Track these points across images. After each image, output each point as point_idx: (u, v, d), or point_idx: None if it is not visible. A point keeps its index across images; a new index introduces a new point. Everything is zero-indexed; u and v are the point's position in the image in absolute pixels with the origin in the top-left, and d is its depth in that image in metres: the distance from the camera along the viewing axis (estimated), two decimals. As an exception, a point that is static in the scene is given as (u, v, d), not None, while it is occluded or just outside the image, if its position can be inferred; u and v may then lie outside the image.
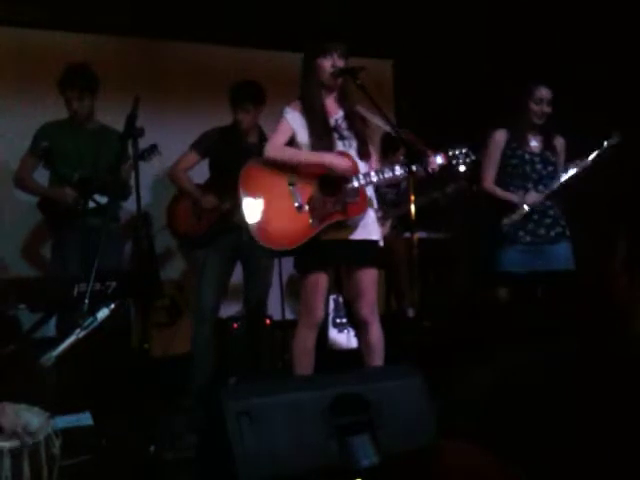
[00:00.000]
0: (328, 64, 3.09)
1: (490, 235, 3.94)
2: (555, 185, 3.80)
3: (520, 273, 3.78)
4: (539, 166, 3.85)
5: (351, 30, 3.91)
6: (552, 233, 3.82)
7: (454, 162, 3.10)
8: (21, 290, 3.00)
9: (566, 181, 3.80)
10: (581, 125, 4.09)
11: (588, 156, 3.79)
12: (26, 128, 3.95)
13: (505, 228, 3.79)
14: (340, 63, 3.09)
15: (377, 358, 3.20)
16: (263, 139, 3.70)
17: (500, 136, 3.92)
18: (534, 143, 3.89)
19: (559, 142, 3.93)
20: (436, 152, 3.11)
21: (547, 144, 3.88)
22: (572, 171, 3.80)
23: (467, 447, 2.63)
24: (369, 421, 2.27)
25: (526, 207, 3.78)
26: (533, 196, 3.80)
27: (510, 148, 3.88)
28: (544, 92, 3.82)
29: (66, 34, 4.67)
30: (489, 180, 3.92)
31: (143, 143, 3.11)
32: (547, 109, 3.82)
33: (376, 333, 3.20)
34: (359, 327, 3.27)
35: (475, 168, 3.89)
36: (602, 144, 3.78)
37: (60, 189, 3.80)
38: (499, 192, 3.89)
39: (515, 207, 3.81)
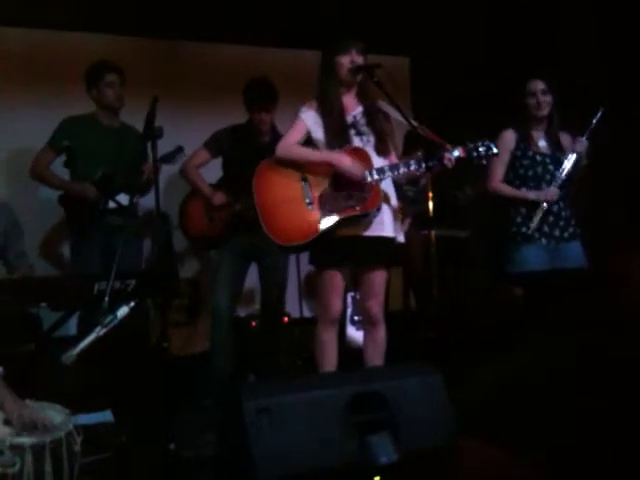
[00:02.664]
0: (347, 61, 3.10)
1: (503, 236, 3.90)
2: (563, 175, 3.75)
3: (537, 271, 3.75)
4: (551, 167, 3.80)
5: (367, 27, 3.90)
6: (565, 234, 3.78)
7: (474, 155, 3.06)
8: (42, 288, 3.03)
9: (571, 168, 3.75)
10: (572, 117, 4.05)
11: (582, 136, 3.76)
12: (45, 128, 3.96)
13: (531, 232, 3.74)
14: (359, 60, 3.10)
15: (381, 357, 3.23)
16: (277, 138, 3.69)
17: (509, 136, 3.87)
18: (542, 143, 3.85)
19: (565, 139, 3.87)
20: (455, 145, 3.07)
21: (555, 144, 3.84)
22: (572, 156, 3.75)
23: (485, 446, 2.63)
24: (388, 419, 2.27)
25: (545, 205, 3.74)
26: (551, 191, 3.74)
27: (520, 149, 3.84)
28: (534, 84, 3.78)
29: (84, 35, 4.70)
30: (497, 180, 3.87)
31: (162, 142, 3.12)
32: (543, 99, 3.77)
33: (383, 332, 3.23)
34: (367, 325, 3.28)
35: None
36: (591, 121, 3.75)
37: (81, 184, 3.81)
38: (509, 190, 3.85)
39: (528, 204, 3.77)
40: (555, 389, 2.84)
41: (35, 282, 3.15)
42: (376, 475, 2.17)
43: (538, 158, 3.82)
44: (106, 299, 2.71)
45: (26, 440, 2.13)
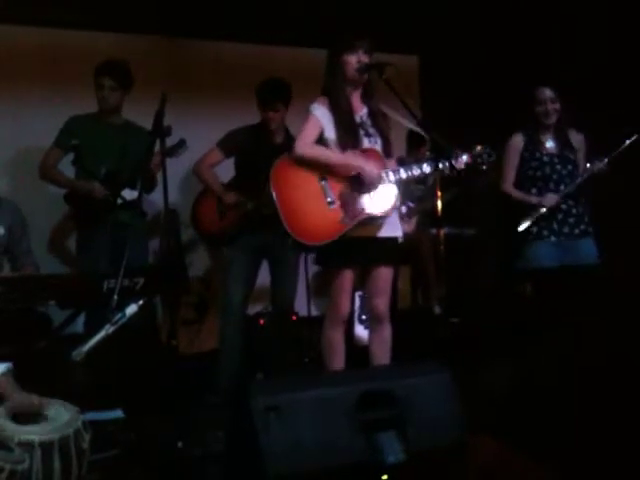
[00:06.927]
0: (354, 60, 3.09)
1: (515, 233, 3.96)
2: (573, 186, 3.83)
3: (550, 267, 3.78)
4: (558, 166, 3.88)
5: (376, 26, 3.89)
6: (576, 231, 3.85)
7: (479, 160, 3.12)
8: (51, 286, 3.04)
9: (583, 181, 3.83)
10: (602, 123, 4.04)
11: (606, 155, 3.79)
12: (52, 126, 3.97)
13: (520, 230, 3.85)
14: (365, 59, 3.10)
15: (387, 355, 3.23)
16: (290, 138, 3.69)
17: (517, 140, 3.98)
18: (550, 144, 3.92)
19: (576, 138, 3.94)
20: (462, 151, 3.12)
21: (563, 143, 3.91)
22: (589, 172, 3.82)
23: (495, 444, 2.62)
24: (396, 417, 2.26)
25: (543, 209, 3.83)
26: (550, 198, 3.83)
27: (528, 151, 3.93)
28: (544, 92, 3.84)
29: (92, 33, 4.70)
30: (508, 182, 3.99)
31: (170, 140, 3.12)
32: (552, 107, 3.84)
33: (389, 331, 3.24)
34: (373, 323, 3.28)
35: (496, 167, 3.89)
36: (623, 142, 3.77)
37: (88, 182, 3.82)
38: (517, 194, 3.96)
39: (533, 208, 3.86)
40: (564, 387, 2.83)
41: (44, 280, 3.16)
42: (384, 474, 2.17)
43: (545, 159, 3.89)
44: (115, 297, 2.71)
45: (35, 437, 2.14)
